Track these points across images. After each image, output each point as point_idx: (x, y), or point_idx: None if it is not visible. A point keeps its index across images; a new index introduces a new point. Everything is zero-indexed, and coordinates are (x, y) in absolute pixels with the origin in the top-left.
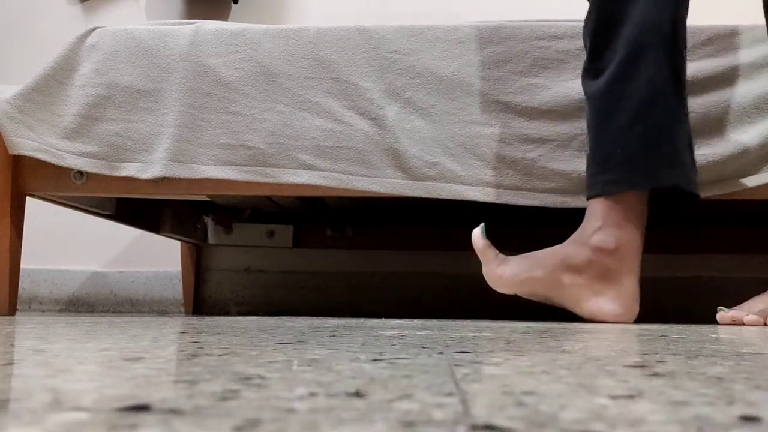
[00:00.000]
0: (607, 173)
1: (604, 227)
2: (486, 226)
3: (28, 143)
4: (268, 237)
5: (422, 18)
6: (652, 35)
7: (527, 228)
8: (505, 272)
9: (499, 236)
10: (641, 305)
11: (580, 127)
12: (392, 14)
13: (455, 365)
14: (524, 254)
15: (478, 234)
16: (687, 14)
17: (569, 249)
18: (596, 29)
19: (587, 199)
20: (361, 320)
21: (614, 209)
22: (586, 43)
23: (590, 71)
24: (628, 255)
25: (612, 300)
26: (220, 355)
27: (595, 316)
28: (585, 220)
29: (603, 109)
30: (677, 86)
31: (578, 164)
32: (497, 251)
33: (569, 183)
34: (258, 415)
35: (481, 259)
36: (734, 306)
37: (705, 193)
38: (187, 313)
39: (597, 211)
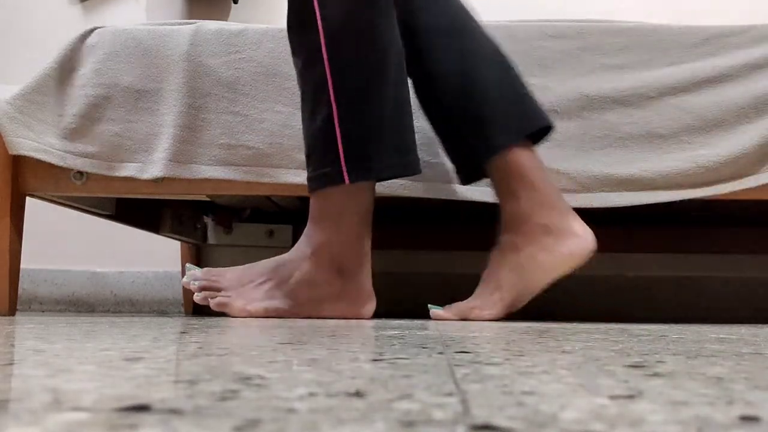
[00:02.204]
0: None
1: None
2: (485, 225)
3: (28, 143)
4: (268, 237)
5: None
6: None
7: None
8: (485, 304)
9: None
10: (643, 300)
11: (579, 126)
12: None
13: (455, 365)
14: (482, 284)
15: (436, 313)
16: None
17: (508, 238)
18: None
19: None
20: (361, 320)
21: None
22: None
23: None
24: (549, 198)
25: (571, 235)
26: (220, 355)
27: (573, 253)
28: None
29: None
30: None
31: (578, 164)
32: (461, 302)
33: (568, 182)
34: (258, 415)
35: (463, 317)
36: None
37: (706, 194)
38: (187, 313)
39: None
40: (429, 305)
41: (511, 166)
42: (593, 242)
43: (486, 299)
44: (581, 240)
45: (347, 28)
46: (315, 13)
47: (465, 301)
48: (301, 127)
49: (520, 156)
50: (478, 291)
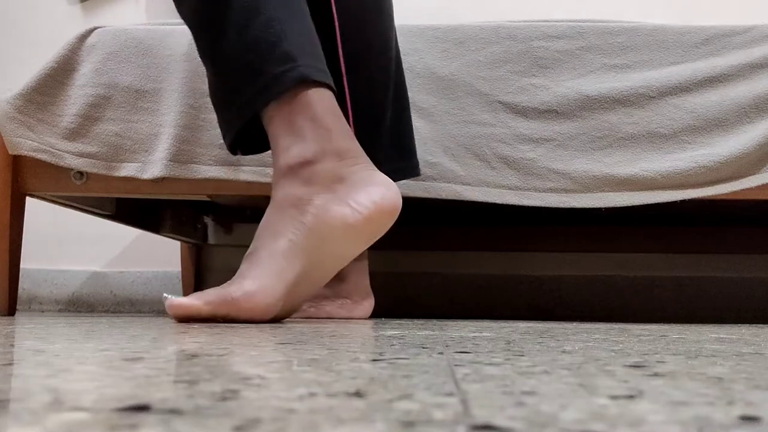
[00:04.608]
0: None
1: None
2: (485, 225)
3: (28, 143)
4: None
5: (422, 18)
6: None
7: (527, 228)
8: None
9: (499, 236)
10: (643, 300)
11: (580, 126)
12: None
13: (455, 365)
14: (248, 259)
15: (175, 304)
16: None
17: (284, 191)
18: None
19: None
20: (361, 320)
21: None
22: None
23: None
24: (343, 142)
25: (373, 184)
26: (220, 355)
27: (377, 204)
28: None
29: None
30: None
31: (578, 164)
32: (214, 288)
33: (569, 182)
34: (258, 415)
35: (215, 313)
36: None
37: (706, 194)
38: None
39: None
40: (165, 295)
41: (301, 102)
42: (399, 196)
43: (254, 280)
44: (386, 190)
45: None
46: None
47: (221, 287)
48: None
49: (314, 96)
50: (242, 269)
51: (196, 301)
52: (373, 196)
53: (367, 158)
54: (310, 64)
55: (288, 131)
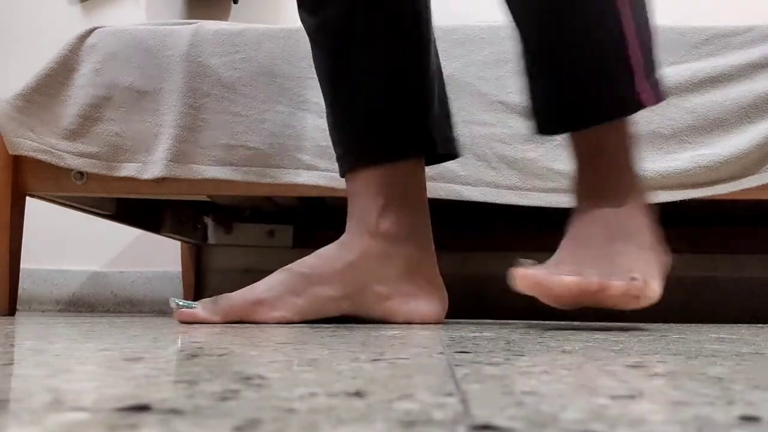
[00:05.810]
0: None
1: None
2: (486, 226)
3: (28, 143)
4: (268, 237)
5: None
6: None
7: (527, 228)
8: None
9: (499, 236)
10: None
11: None
12: None
13: (455, 365)
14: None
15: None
16: None
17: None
18: None
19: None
20: (363, 320)
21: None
22: None
23: None
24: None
25: (434, 298)
26: (220, 355)
27: (426, 317)
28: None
29: None
30: None
31: None
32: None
33: (569, 183)
34: (258, 415)
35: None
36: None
37: (706, 194)
38: None
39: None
40: (173, 300)
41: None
42: (446, 305)
43: (276, 294)
44: (442, 303)
45: None
46: None
47: (237, 294)
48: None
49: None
50: (274, 276)
51: (207, 314)
52: (430, 308)
53: (433, 252)
54: (444, 136)
55: (389, 196)
